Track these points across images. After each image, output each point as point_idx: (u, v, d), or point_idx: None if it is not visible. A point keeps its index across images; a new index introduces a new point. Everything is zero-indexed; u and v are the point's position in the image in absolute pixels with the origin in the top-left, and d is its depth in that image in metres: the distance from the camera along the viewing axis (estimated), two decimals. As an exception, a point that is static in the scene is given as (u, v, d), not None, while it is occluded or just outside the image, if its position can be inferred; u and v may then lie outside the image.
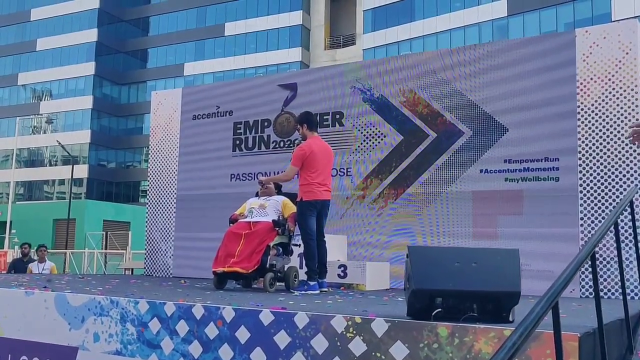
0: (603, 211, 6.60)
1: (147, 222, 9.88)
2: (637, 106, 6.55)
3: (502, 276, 3.37)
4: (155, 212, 9.78)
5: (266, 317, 3.82)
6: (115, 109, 52.66)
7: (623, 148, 6.57)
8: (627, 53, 6.63)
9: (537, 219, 6.92)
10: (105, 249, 28.19)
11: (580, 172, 6.76)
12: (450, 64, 7.71)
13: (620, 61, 6.65)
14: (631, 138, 4.18)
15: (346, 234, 7.91)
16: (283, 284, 6.23)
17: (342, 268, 7.02)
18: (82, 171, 49.20)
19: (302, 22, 45.76)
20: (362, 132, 8.25)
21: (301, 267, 6.69)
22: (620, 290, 4.88)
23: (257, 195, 6.88)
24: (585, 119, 6.77)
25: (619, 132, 6.60)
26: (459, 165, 7.51)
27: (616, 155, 6.60)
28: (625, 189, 6.47)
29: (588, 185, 6.71)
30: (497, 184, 7.23)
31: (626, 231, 6.22)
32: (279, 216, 6.42)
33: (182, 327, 4.15)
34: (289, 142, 8.78)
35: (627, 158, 6.55)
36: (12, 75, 53.34)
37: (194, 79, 47.41)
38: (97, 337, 4.52)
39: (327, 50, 45.47)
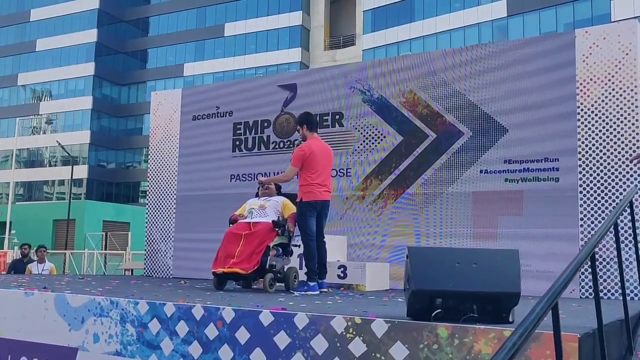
0: (603, 212, 6.60)
1: (147, 222, 9.88)
2: (636, 107, 6.55)
3: (502, 277, 3.38)
4: (155, 213, 9.78)
5: (266, 317, 3.82)
6: (115, 109, 52.66)
7: (623, 149, 6.57)
8: (626, 54, 6.63)
9: (537, 219, 6.92)
10: (105, 249, 28.21)
11: (580, 172, 6.76)
12: (450, 64, 7.71)
13: (620, 62, 6.65)
14: (636, 161, 4.18)
15: (346, 235, 7.91)
16: (283, 284, 6.23)
17: (342, 269, 7.02)
18: (81, 172, 49.21)
19: (301, 22, 45.77)
20: (361, 133, 8.25)
21: (301, 268, 6.69)
22: (620, 291, 4.88)
23: (256, 195, 6.88)
24: (585, 119, 6.78)
25: (619, 132, 6.60)
26: (458, 165, 7.51)
27: (616, 156, 6.60)
28: (625, 190, 6.47)
29: (588, 185, 6.71)
30: (497, 184, 7.24)
31: (626, 232, 6.22)
32: (278, 217, 6.42)
33: (182, 328, 4.15)
34: (288, 143, 8.78)
35: (627, 159, 6.55)
36: (12, 75, 53.34)
37: (193, 79, 47.42)
38: (97, 337, 4.52)
39: (327, 51, 45.47)
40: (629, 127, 6.55)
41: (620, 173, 6.58)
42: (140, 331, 4.33)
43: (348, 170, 8.29)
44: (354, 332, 3.51)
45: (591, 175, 6.70)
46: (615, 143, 6.61)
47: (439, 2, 37.97)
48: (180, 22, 50.30)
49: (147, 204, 10.00)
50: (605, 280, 6.38)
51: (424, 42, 37.77)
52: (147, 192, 10.13)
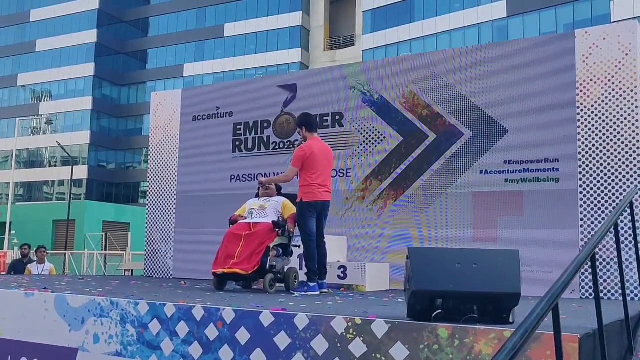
0: (603, 212, 6.61)
1: (147, 223, 9.88)
2: (637, 107, 6.55)
3: (502, 277, 3.38)
4: (155, 213, 9.78)
5: (266, 318, 3.82)
6: (115, 109, 52.66)
7: (623, 149, 6.58)
8: (626, 54, 6.63)
9: (537, 220, 6.92)
10: (105, 250, 28.19)
11: (580, 173, 6.76)
12: (449, 65, 7.71)
13: (620, 62, 6.66)
14: None
15: (346, 235, 7.91)
16: (283, 285, 6.23)
17: (342, 269, 7.02)
18: (81, 172, 49.21)
19: (301, 23, 45.79)
20: (361, 133, 8.25)
21: (301, 268, 6.69)
22: (620, 292, 4.88)
23: (257, 196, 6.88)
24: (585, 120, 6.78)
25: (618, 133, 6.61)
26: (458, 166, 7.51)
27: (616, 157, 6.60)
28: (625, 190, 6.47)
29: (588, 186, 6.71)
30: (497, 185, 7.24)
31: (626, 232, 6.22)
32: (278, 217, 6.42)
33: (182, 329, 4.15)
34: (288, 143, 8.78)
35: (627, 159, 6.56)
36: (12, 76, 53.35)
37: (193, 79, 47.43)
38: (97, 338, 4.52)
39: (327, 51, 45.48)
40: (629, 128, 6.55)
41: (620, 174, 6.58)
42: (140, 332, 4.33)
43: (348, 171, 8.29)
44: (355, 333, 3.51)
45: (591, 175, 6.70)
46: (615, 144, 6.61)
47: (438, 2, 37.98)
48: (180, 22, 50.31)
49: (147, 205, 10.00)
50: (605, 281, 6.38)
51: (423, 42, 37.78)
52: (147, 193, 10.13)
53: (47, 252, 12.00)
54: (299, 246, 6.49)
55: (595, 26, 7.34)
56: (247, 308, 4.00)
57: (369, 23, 41.03)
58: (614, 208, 6.36)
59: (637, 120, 6.53)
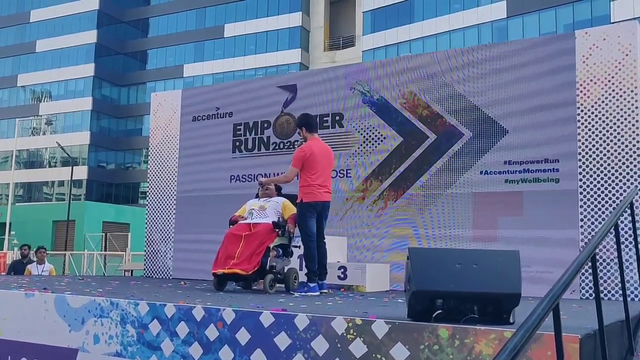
0: (603, 212, 6.60)
1: (146, 223, 9.88)
2: (637, 107, 6.55)
3: (502, 278, 3.38)
4: (155, 214, 9.78)
5: (266, 318, 3.82)
6: (115, 110, 52.66)
7: (623, 150, 6.58)
8: (626, 54, 6.63)
9: (538, 220, 6.92)
10: (105, 250, 28.18)
11: (580, 173, 6.76)
12: (449, 65, 7.71)
13: (620, 62, 6.66)
14: None
15: (346, 236, 7.91)
16: (283, 285, 6.23)
17: (342, 269, 7.02)
18: (81, 172, 49.20)
19: (301, 23, 45.79)
20: (362, 134, 8.25)
21: (301, 269, 6.69)
22: (620, 292, 4.88)
23: (257, 196, 6.88)
24: (585, 120, 6.78)
25: (619, 133, 6.61)
26: (458, 166, 7.51)
27: (616, 157, 6.60)
28: (625, 191, 6.47)
29: (588, 186, 6.71)
30: (497, 185, 7.24)
31: (626, 232, 6.22)
32: (279, 218, 6.42)
33: (183, 329, 4.15)
34: (288, 144, 8.78)
35: (627, 159, 6.56)
36: (12, 76, 53.35)
37: (193, 80, 47.42)
38: (97, 338, 4.51)
39: (327, 52, 45.48)
40: (630, 128, 6.56)
41: (620, 174, 6.58)
42: (140, 332, 4.33)
43: (348, 171, 8.29)
44: (355, 333, 3.51)
45: (591, 176, 6.70)
46: (615, 144, 6.61)
47: (438, 3, 37.98)
48: (180, 23, 50.31)
49: (147, 205, 9.99)
50: (605, 281, 6.37)
51: (423, 43, 37.77)
52: (147, 193, 10.12)
53: (47, 252, 12.00)
54: (299, 246, 6.49)
55: (595, 27, 7.34)
56: (247, 308, 4.00)
57: (369, 24, 41.02)
58: (614, 208, 6.37)
59: (637, 121, 6.53)
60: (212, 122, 9.50)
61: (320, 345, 3.60)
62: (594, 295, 3.37)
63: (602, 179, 6.65)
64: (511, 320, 3.42)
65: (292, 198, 6.58)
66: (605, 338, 3.12)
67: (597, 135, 6.71)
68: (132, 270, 15.77)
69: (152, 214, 9.81)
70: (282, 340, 3.73)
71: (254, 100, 9.20)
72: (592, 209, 6.66)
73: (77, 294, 4.86)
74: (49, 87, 52.25)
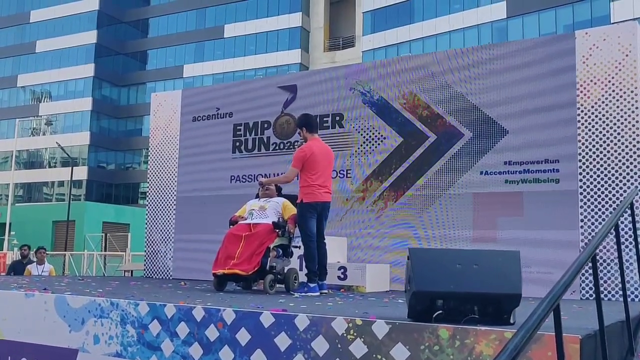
0: (603, 213, 6.60)
1: (146, 223, 9.87)
2: (637, 108, 6.55)
3: (503, 278, 3.38)
4: (155, 214, 9.77)
5: (266, 319, 3.82)
6: (115, 110, 52.66)
7: (623, 150, 6.57)
8: (627, 55, 6.63)
9: (538, 220, 6.92)
10: (105, 250, 28.16)
11: (580, 174, 6.76)
12: (449, 66, 7.71)
13: (620, 63, 6.66)
14: None
15: (346, 236, 7.91)
16: (283, 285, 6.23)
17: (342, 270, 7.02)
18: (81, 173, 49.19)
19: (301, 24, 45.79)
20: (362, 134, 8.25)
21: (301, 269, 6.69)
22: (620, 292, 4.88)
23: (257, 196, 6.88)
24: (585, 120, 6.78)
25: (619, 134, 6.61)
26: (458, 167, 7.50)
27: (616, 157, 6.60)
28: (625, 191, 6.47)
29: (588, 187, 6.71)
30: (497, 186, 7.23)
31: (626, 233, 6.22)
32: (279, 218, 6.42)
33: (183, 329, 4.15)
34: (289, 144, 8.78)
35: (627, 160, 6.56)
36: (12, 76, 53.35)
37: (193, 80, 47.43)
38: (97, 339, 4.51)
39: (327, 52, 45.48)
40: (630, 129, 6.55)
41: (620, 174, 6.58)
42: (140, 332, 4.33)
43: (348, 172, 8.29)
44: (355, 334, 3.51)
45: (591, 176, 6.70)
46: (615, 144, 6.61)
47: (438, 3, 37.99)
48: (180, 23, 50.31)
49: (147, 205, 9.99)
50: (605, 282, 6.37)
51: (423, 43, 37.77)
52: (147, 193, 10.12)
53: (47, 252, 12.00)
54: (299, 247, 6.49)
55: (595, 27, 7.34)
56: (247, 309, 4.00)
57: (369, 24, 41.03)
58: (614, 209, 6.36)
59: (637, 122, 6.52)
60: (212, 122, 9.50)
61: (320, 345, 3.60)
62: (594, 295, 3.37)
63: (602, 179, 6.65)
64: (511, 321, 3.41)
65: (292, 198, 6.58)
66: (606, 338, 3.12)
67: (597, 136, 6.71)
68: (132, 271, 15.77)
69: (152, 214, 9.81)
70: (283, 341, 3.73)
71: (254, 101, 9.20)
72: (593, 210, 6.66)
73: (77, 295, 4.86)
74: (49, 87, 52.25)
